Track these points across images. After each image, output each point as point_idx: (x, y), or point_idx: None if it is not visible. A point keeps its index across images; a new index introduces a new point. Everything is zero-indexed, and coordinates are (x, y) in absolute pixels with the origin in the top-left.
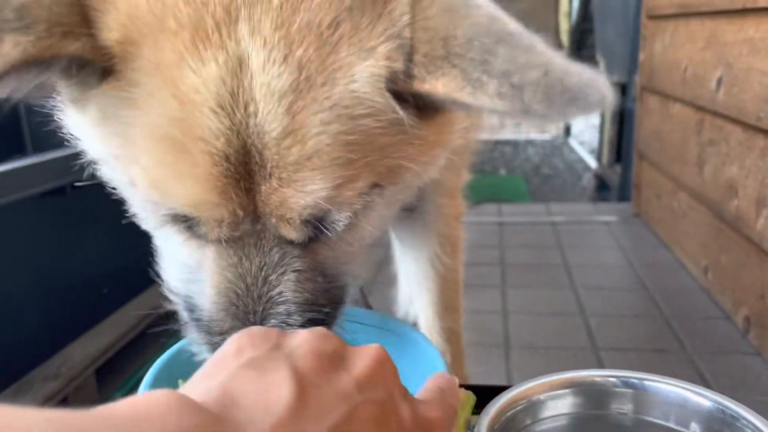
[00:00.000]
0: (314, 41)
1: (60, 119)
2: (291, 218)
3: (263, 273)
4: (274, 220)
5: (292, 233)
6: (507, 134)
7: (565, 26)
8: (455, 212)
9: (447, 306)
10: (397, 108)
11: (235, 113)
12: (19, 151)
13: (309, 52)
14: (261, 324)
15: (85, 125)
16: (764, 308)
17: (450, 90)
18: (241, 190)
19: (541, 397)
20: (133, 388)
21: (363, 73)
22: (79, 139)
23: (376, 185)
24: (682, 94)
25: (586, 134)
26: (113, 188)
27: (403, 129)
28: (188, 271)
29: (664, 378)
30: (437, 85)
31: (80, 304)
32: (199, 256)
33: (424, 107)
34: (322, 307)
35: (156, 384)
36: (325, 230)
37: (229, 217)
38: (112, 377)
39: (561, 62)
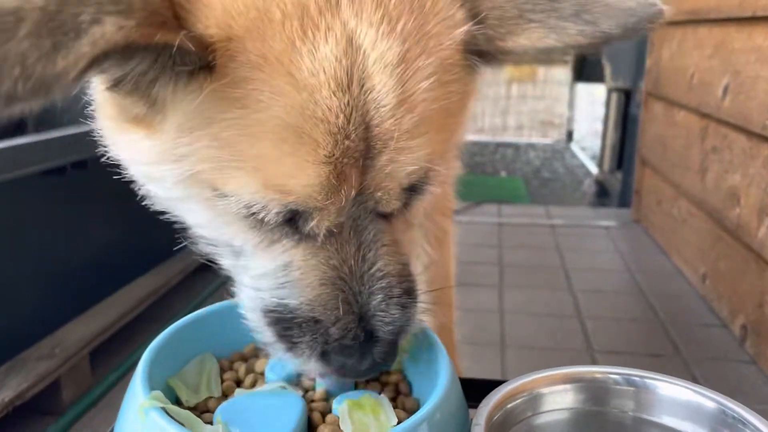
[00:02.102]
0: (408, 15)
1: (108, 144)
2: (392, 188)
3: (361, 253)
4: (379, 194)
5: (392, 203)
6: (508, 137)
7: None
8: (441, 206)
9: (437, 301)
10: (481, 67)
11: (352, 90)
12: (20, 131)
13: (407, 25)
14: (367, 304)
15: (151, 145)
16: (762, 317)
17: (533, 41)
18: (358, 168)
19: (542, 390)
20: (126, 372)
21: (449, 41)
22: (134, 163)
23: (444, 150)
24: (687, 100)
25: (588, 140)
26: (165, 208)
27: (465, 96)
28: (275, 278)
29: (666, 377)
30: (520, 40)
31: (77, 285)
32: (286, 258)
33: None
34: (410, 277)
35: (152, 368)
36: (415, 194)
37: (343, 200)
38: (106, 359)
39: None
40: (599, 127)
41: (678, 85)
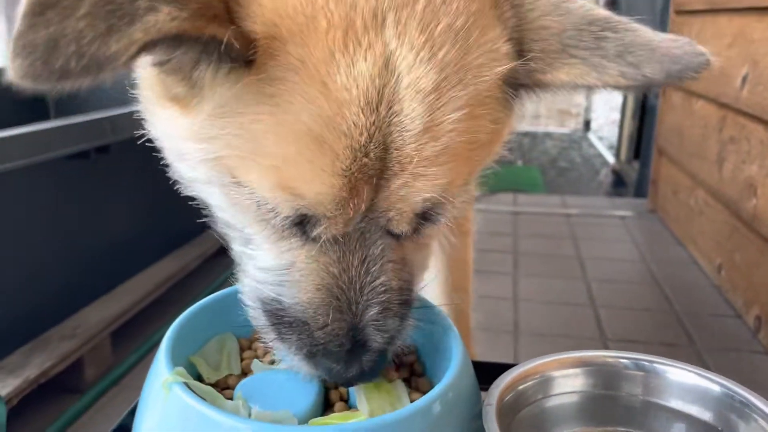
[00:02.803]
0: (452, 44)
1: (145, 117)
2: (406, 212)
3: (365, 266)
4: (391, 214)
5: (403, 226)
6: (525, 126)
7: None
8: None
9: (456, 286)
10: (516, 102)
11: (380, 111)
12: (42, 116)
13: (449, 54)
14: (362, 315)
15: (185, 123)
16: None
17: (574, 77)
18: (371, 186)
19: (554, 373)
20: (146, 353)
21: (489, 75)
22: (167, 137)
23: (468, 182)
24: (705, 90)
25: (606, 129)
26: (190, 188)
27: (497, 129)
28: (276, 274)
29: (675, 362)
30: (559, 75)
31: (99, 267)
32: (290, 257)
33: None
34: (410, 290)
35: (174, 346)
36: (428, 222)
37: (351, 213)
38: (127, 340)
39: (659, 37)
40: (617, 116)
41: None
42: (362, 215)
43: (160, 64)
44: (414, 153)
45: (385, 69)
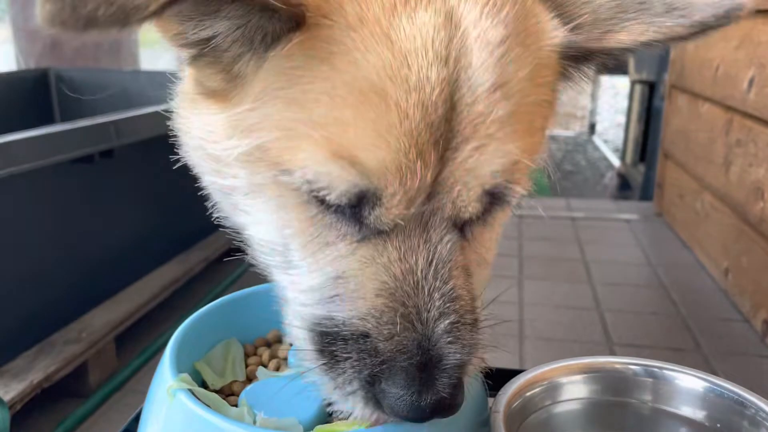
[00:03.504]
0: (513, 6)
1: (180, 123)
2: (475, 187)
3: (433, 267)
4: (458, 189)
5: (472, 206)
6: None
7: None
8: None
9: None
10: (575, 74)
11: (448, 65)
12: (48, 121)
13: (511, 14)
14: (434, 325)
15: (221, 119)
16: None
17: (635, 35)
18: (437, 152)
19: (561, 380)
20: (150, 357)
21: (547, 42)
22: (200, 144)
23: (531, 160)
24: (712, 93)
25: (611, 132)
26: (225, 210)
27: (550, 116)
28: (325, 290)
29: (685, 369)
30: (620, 37)
31: (104, 271)
32: (339, 267)
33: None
34: (478, 309)
35: (179, 352)
36: (497, 203)
37: (417, 183)
38: (131, 344)
39: None
40: (622, 119)
41: (702, 77)
42: (426, 195)
43: (198, 57)
44: (486, 111)
45: (449, 21)
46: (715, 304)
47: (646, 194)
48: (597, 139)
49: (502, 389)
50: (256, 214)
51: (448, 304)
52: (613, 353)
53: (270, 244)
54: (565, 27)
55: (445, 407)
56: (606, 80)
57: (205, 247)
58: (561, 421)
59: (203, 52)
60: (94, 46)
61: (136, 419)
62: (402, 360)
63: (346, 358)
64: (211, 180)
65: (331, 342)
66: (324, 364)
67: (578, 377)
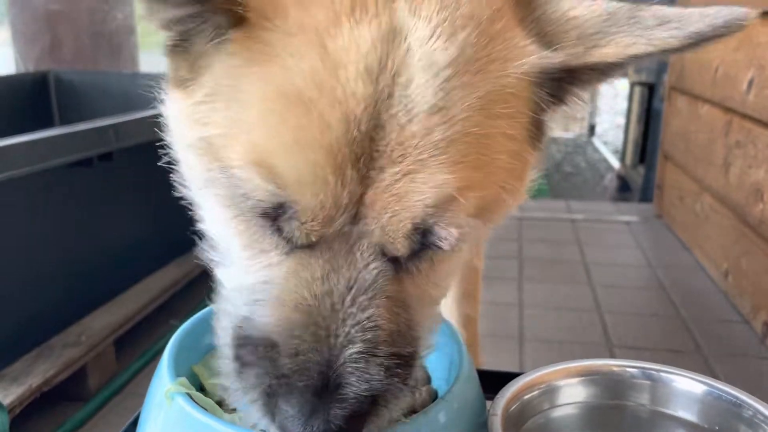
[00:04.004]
0: (475, 29)
1: (162, 109)
2: (403, 218)
3: (352, 292)
4: (384, 219)
5: (398, 241)
6: None
7: None
8: None
9: (466, 293)
10: (543, 100)
11: (380, 81)
12: (47, 124)
13: (470, 37)
14: (341, 351)
15: (184, 108)
16: None
17: (622, 48)
18: (357, 170)
19: (559, 383)
20: (150, 360)
21: (515, 70)
22: (175, 127)
23: (479, 215)
24: (711, 94)
25: (611, 134)
26: (186, 186)
27: (521, 151)
28: (252, 291)
29: (683, 371)
30: (606, 50)
31: (103, 274)
32: (268, 273)
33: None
34: (407, 347)
35: (177, 355)
36: (429, 245)
37: (331, 203)
38: (131, 348)
39: (687, 9)
40: (622, 121)
41: (702, 79)
42: (352, 216)
43: (172, 48)
44: (420, 135)
45: (392, 37)
46: (715, 305)
47: (645, 196)
48: (597, 141)
49: (500, 392)
50: (206, 208)
51: (359, 333)
52: (613, 355)
53: (215, 239)
54: (547, 50)
55: None
56: None
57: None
58: (559, 424)
59: (175, 41)
60: (94, 48)
61: (135, 422)
62: (300, 380)
63: (251, 365)
64: (180, 171)
65: (243, 345)
66: (235, 367)
67: (576, 380)
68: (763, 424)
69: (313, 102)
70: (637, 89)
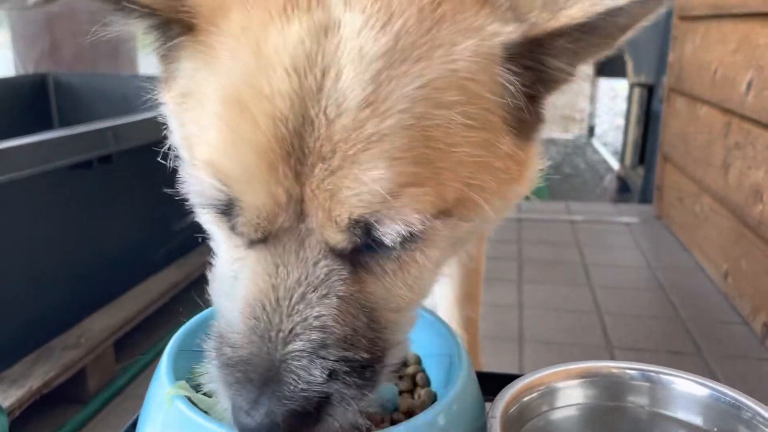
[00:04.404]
0: (415, 15)
1: (162, 109)
2: (338, 214)
3: (301, 289)
4: (320, 215)
5: (335, 235)
6: None
7: None
8: None
9: (467, 295)
10: (512, 80)
11: (307, 77)
12: (46, 126)
13: (408, 24)
14: (282, 346)
15: (172, 106)
16: None
17: (587, 9)
18: (290, 168)
19: (558, 385)
20: (149, 362)
21: (466, 52)
22: (170, 126)
23: (444, 212)
24: (710, 96)
25: (610, 135)
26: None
27: (492, 140)
28: (224, 282)
29: (682, 373)
30: (569, 13)
31: (103, 275)
32: (238, 266)
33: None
34: (362, 352)
35: (176, 358)
36: (374, 242)
37: (270, 201)
38: (130, 350)
39: None
40: (621, 122)
41: (701, 80)
42: (294, 213)
43: (157, 50)
44: (351, 130)
45: (323, 32)
46: (714, 307)
47: (645, 197)
48: (596, 142)
49: (499, 394)
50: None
51: (303, 331)
52: (612, 356)
53: (210, 234)
54: (512, 26)
55: (274, 428)
56: (605, 83)
57: (204, 252)
58: (559, 426)
59: (154, 45)
60: (93, 50)
61: (135, 425)
62: (238, 371)
63: (208, 350)
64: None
65: (210, 338)
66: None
67: (575, 382)
68: (763, 426)
69: (246, 101)
70: (637, 90)
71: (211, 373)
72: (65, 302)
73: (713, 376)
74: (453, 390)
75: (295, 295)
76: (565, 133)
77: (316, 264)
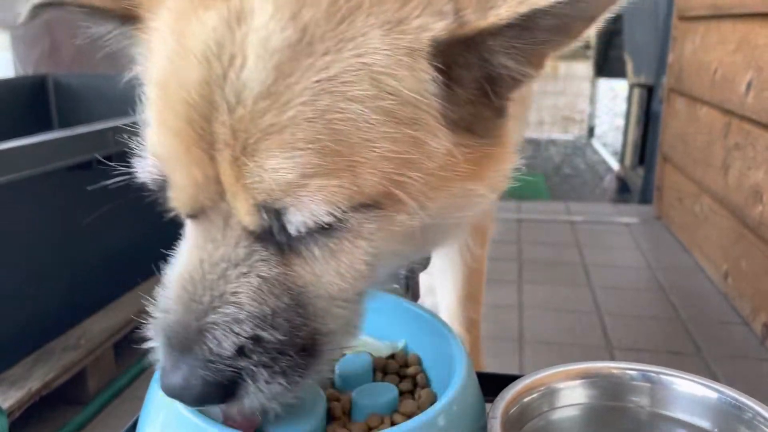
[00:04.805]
0: (326, 6)
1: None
2: (245, 199)
3: (224, 264)
4: (231, 197)
5: (246, 217)
6: (529, 133)
7: None
8: None
9: (469, 296)
10: (435, 78)
11: (215, 65)
12: (46, 127)
13: (318, 15)
14: (199, 317)
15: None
16: None
17: (512, 6)
18: (203, 151)
19: (559, 385)
20: (150, 364)
21: (382, 46)
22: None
23: (365, 206)
24: (710, 96)
25: (610, 136)
26: None
27: (421, 137)
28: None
29: (683, 373)
30: (497, 12)
31: (102, 277)
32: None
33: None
34: (279, 335)
35: None
36: (285, 228)
37: (190, 181)
38: (130, 351)
39: None
40: (621, 123)
41: (701, 80)
42: (215, 193)
43: None
44: (248, 119)
45: (235, 20)
46: (714, 307)
47: (645, 197)
48: (596, 143)
49: (500, 395)
50: None
51: (219, 305)
52: (612, 357)
53: None
54: (445, 21)
55: (184, 397)
56: (604, 84)
57: None
58: (559, 427)
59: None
60: (92, 51)
61: (134, 426)
62: (165, 335)
63: (152, 310)
64: None
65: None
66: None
67: (576, 382)
68: (763, 427)
69: (168, 87)
70: (636, 91)
71: (154, 331)
72: (65, 303)
73: (713, 377)
74: (453, 391)
75: (218, 270)
76: (565, 134)
77: (237, 243)
